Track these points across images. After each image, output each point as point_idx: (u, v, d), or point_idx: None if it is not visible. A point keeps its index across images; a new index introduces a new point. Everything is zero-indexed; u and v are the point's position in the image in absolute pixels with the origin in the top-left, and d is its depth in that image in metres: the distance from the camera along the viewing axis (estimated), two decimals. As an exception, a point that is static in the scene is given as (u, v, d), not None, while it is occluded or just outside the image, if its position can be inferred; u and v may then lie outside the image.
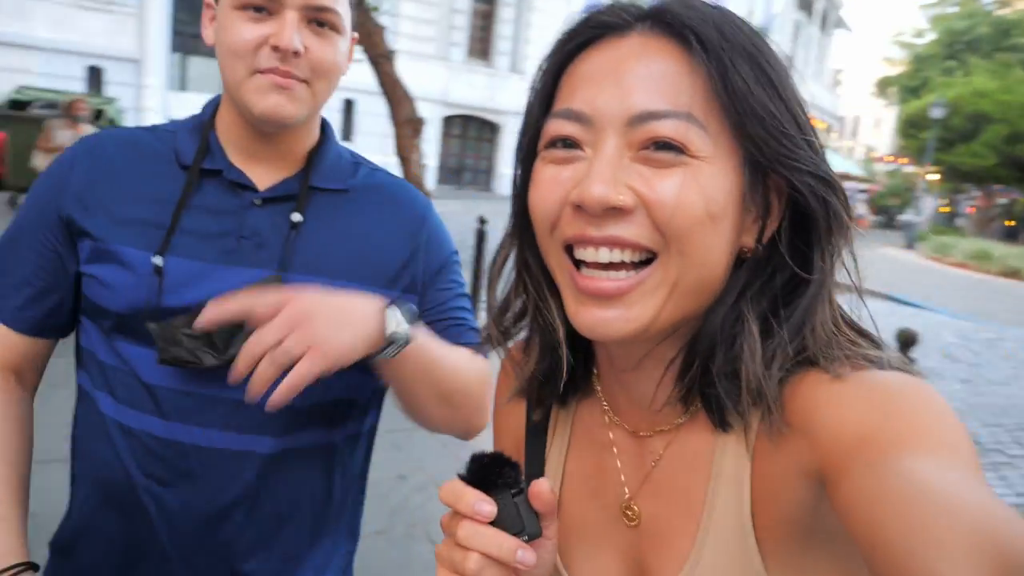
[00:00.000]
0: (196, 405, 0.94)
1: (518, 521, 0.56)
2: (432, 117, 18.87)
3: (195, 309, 0.87)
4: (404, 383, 0.95)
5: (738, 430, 0.58)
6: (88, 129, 6.86)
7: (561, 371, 0.66)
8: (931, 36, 37.61)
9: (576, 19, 0.59)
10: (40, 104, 10.17)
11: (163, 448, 0.94)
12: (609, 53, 0.57)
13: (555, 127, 0.58)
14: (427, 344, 0.93)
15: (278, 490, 0.99)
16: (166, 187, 0.98)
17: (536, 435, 0.74)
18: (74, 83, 14.42)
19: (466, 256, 10.49)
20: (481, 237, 6.85)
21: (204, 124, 1.02)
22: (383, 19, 7.22)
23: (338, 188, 1.03)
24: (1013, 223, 28.80)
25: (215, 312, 0.79)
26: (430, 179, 18.66)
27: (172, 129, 1.03)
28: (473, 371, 1.01)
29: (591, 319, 0.57)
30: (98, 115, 9.65)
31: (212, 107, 1.04)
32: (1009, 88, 24.06)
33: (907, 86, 34.68)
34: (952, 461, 0.46)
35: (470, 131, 21.15)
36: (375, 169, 1.10)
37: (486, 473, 0.57)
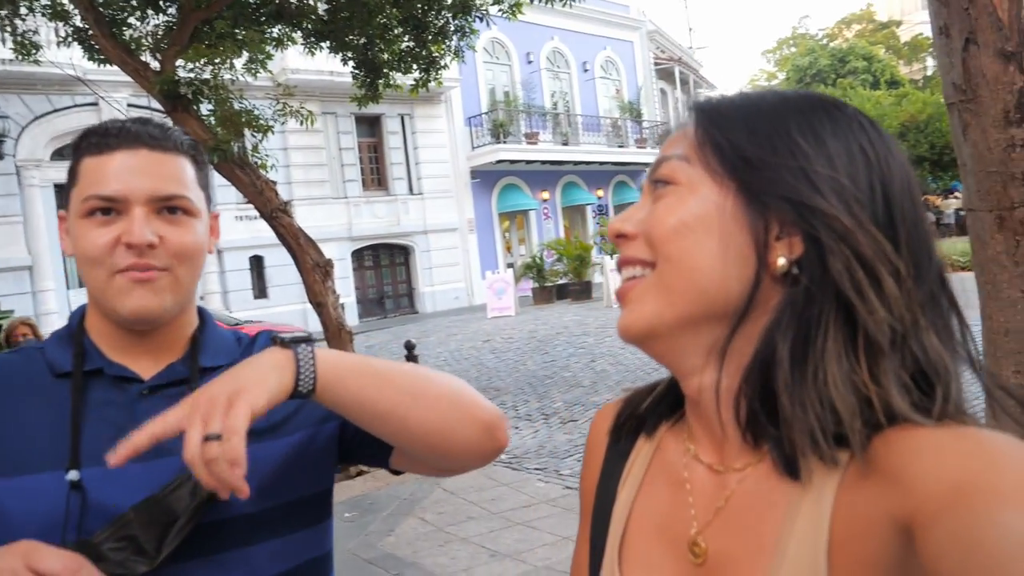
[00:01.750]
0: None
1: None
2: (342, 254, 18.98)
3: (116, 521, 0.84)
4: (350, 383, 0.87)
5: (821, 471, 0.57)
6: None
7: (664, 397, 0.75)
8: (781, 76, 40.69)
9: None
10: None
11: None
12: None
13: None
14: (347, 355, 0.90)
15: None
16: (50, 402, 0.93)
17: (613, 467, 0.77)
18: (-33, 305, 13.91)
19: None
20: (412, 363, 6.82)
21: (74, 332, 1.00)
22: (276, 173, 7.31)
23: (228, 363, 0.98)
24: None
25: (127, 452, 0.76)
26: (353, 315, 18.59)
27: (39, 346, 1.01)
28: (430, 370, 0.97)
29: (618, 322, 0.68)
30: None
31: (79, 316, 1.02)
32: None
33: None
34: None
35: (382, 259, 21.29)
36: (254, 338, 1.09)
37: None
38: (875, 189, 0.60)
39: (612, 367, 10.05)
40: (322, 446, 1.01)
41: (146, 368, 0.98)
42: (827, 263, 0.58)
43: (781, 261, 0.60)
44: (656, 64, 28.95)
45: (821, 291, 0.59)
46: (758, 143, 0.62)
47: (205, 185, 1.03)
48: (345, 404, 0.88)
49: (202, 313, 1.07)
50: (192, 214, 0.98)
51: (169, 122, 6.44)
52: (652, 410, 0.76)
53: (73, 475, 0.87)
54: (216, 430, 0.74)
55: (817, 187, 0.59)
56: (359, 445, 1.02)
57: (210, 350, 1.02)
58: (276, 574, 0.95)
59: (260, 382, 0.79)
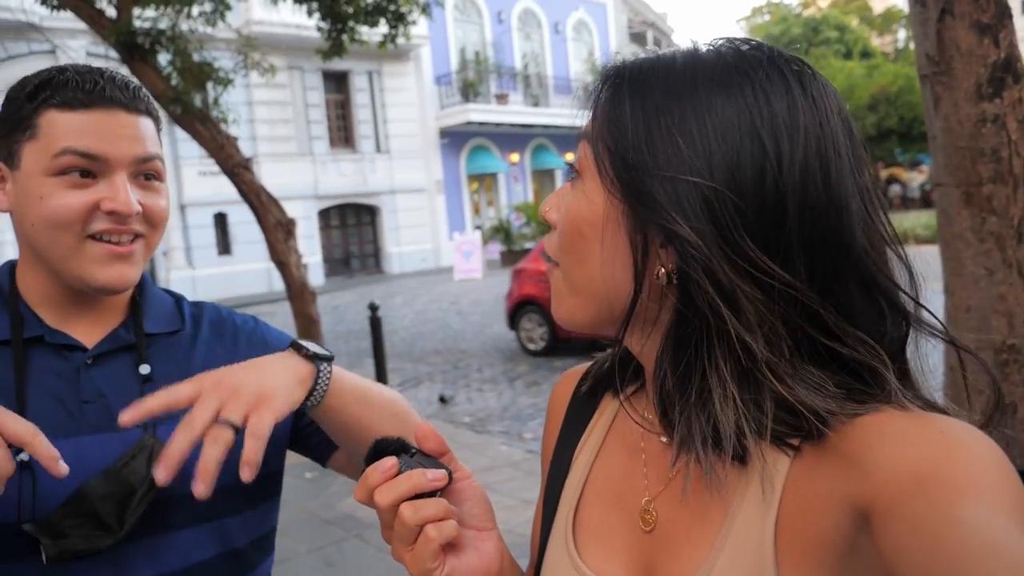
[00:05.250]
0: None
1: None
2: (307, 213, 18.71)
3: (73, 497, 0.82)
4: (350, 409, 0.90)
5: (773, 450, 0.56)
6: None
7: (625, 365, 0.73)
8: (755, 44, 40.77)
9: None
10: None
11: None
12: None
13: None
14: (349, 379, 0.91)
15: None
16: None
17: (571, 432, 0.77)
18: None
19: (365, 344, 10.17)
20: (375, 324, 6.77)
21: (6, 296, 0.94)
22: (239, 128, 7.12)
23: (172, 330, 1.00)
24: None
25: (138, 415, 0.71)
26: (319, 275, 18.41)
27: None
28: (384, 389, 1.01)
29: None
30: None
31: (7, 276, 0.95)
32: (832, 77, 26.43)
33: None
34: (1018, 522, 0.45)
35: (348, 218, 21.05)
36: (195, 303, 1.07)
37: (379, 451, 0.65)
38: (766, 178, 0.55)
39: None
40: (282, 433, 1.01)
41: (88, 335, 0.94)
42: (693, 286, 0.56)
43: (661, 272, 0.58)
44: (628, 27, 28.70)
45: (692, 312, 0.57)
46: (639, 142, 0.57)
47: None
48: (333, 423, 0.90)
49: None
50: (162, 179, 0.96)
51: (125, 71, 6.23)
52: (614, 377, 0.74)
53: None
54: (235, 420, 0.72)
55: (684, 206, 0.55)
56: (307, 437, 1.04)
57: (152, 315, 0.99)
58: (238, 547, 0.95)
59: (286, 393, 0.78)
